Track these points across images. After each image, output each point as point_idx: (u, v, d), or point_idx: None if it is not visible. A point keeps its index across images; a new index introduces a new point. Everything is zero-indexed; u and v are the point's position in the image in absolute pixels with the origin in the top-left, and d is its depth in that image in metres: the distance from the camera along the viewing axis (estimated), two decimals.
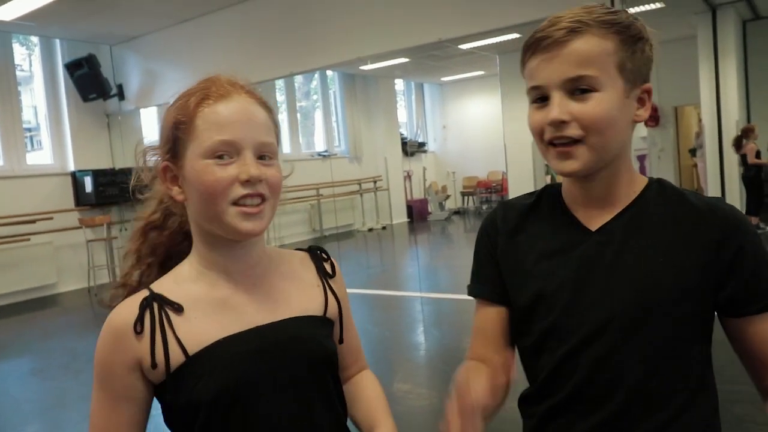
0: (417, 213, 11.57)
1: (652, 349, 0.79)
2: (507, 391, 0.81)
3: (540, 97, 0.81)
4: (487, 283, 0.93)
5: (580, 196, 0.86)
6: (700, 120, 8.73)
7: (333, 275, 0.90)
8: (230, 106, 0.77)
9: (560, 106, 0.77)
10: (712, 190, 7.96)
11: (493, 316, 0.92)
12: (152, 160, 0.85)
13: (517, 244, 0.90)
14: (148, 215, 0.87)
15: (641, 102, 0.81)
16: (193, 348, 0.76)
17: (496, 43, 8.01)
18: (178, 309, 0.77)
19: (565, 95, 0.77)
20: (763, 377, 0.83)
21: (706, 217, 0.81)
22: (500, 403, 0.80)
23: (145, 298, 0.78)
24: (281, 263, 0.87)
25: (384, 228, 10.67)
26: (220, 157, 0.75)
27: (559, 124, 0.77)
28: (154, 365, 0.75)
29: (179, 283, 0.80)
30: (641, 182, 0.86)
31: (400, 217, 11.32)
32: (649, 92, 0.81)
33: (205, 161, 0.75)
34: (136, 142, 0.87)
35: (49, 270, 6.60)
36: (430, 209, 11.81)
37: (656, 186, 0.86)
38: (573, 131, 0.77)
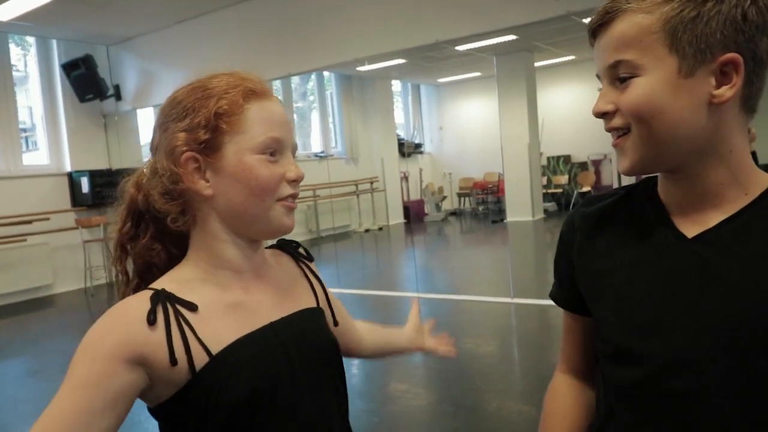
0: (413, 214, 11.58)
1: (751, 389, 0.63)
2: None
3: None
4: (563, 290, 0.84)
5: (676, 194, 0.72)
6: None
7: (312, 259, 0.93)
8: (274, 105, 0.78)
9: (602, 97, 0.70)
10: None
11: (573, 325, 0.85)
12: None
13: (596, 245, 0.77)
14: (120, 228, 0.81)
15: (726, 77, 0.64)
16: (214, 348, 0.72)
17: (493, 44, 8.02)
18: (192, 308, 0.73)
19: (610, 84, 0.70)
20: None
21: None
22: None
23: (156, 293, 0.72)
24: (271, 260, 0.87)
25: (380, 229, 10.67)
26: (272, 154, 0.76)
27: (603, 115, 0.70)
28: (174, 362, 0.68)
29: (184, 284, 0.75)
30: (761, 182, 0.69)
31: (397, 218, 11.32)
32: (734, 63, 0.63)
33: (258, 156, 0.75)
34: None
35: (46, 271, 6.59)
36: (426, 210, 11.83)
37: None
38: (617, 122, 0.69)
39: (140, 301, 0.71)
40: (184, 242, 0.81)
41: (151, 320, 0.69)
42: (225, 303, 0.76)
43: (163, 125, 0.78)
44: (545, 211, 9.95)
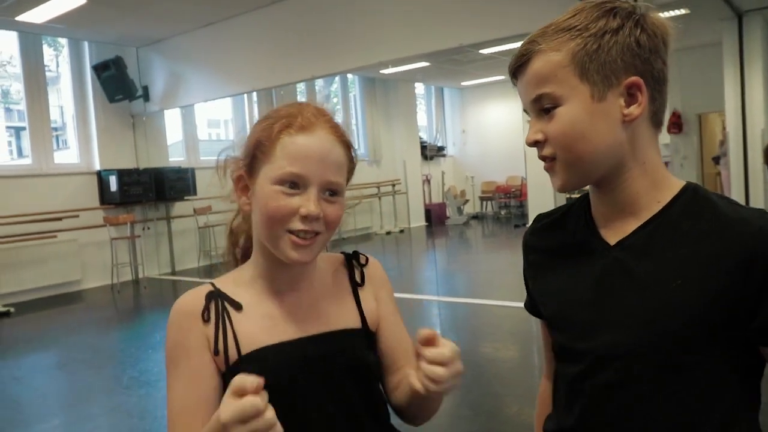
0: (435, 217, 11.57)
1: (663, 382, 0.72)
2: None
3: None
4: (529, 296, 0.92)
5: (602, 207, 0.80)
6: (724, 128, 8.61)
7: (362, 284, 0.91)
8: (309, 140, 0.80)
9: (532, 127, 0.78)
10: (736, 199, 7.83)
11: (544, 328, 0.91)
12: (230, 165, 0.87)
13: (541, 260, 0.88)
14: (232, 220, 0.93)
15: (633, 98, 0.73)
16: (245, 348, 0.80)
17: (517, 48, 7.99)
18: (238, 307, 0.83)
19: (537, 116, 0.78)
20: None
21: (735, 229, 0.70)
22: None
23: (210, 292, 0.83)
24: (324, 273, 0.90)
25: (402, 231, 10.69)
26: (290, 186, 0.79)
27: (534, 144, 0.78)
28: (216, 351, 0.80)
29: (238, 285, 0.85)
30: (672, 189, 0.77)
31: (418, 221, 11.32)
32: (637, 85, 0.73)
33: (274, 187, 0.79)
34: (221, 150, 0.89)
35: (74, 267, 6.76)
36: (448, 213, 11.80)
37: (690, 193, 0.76)
38: (546, 150, 0.77)
39: (197, 299, 0.82)
40: None
41: (206, 318, 0.81)
42: (261, 308, 0.84)
43: None
44: None
